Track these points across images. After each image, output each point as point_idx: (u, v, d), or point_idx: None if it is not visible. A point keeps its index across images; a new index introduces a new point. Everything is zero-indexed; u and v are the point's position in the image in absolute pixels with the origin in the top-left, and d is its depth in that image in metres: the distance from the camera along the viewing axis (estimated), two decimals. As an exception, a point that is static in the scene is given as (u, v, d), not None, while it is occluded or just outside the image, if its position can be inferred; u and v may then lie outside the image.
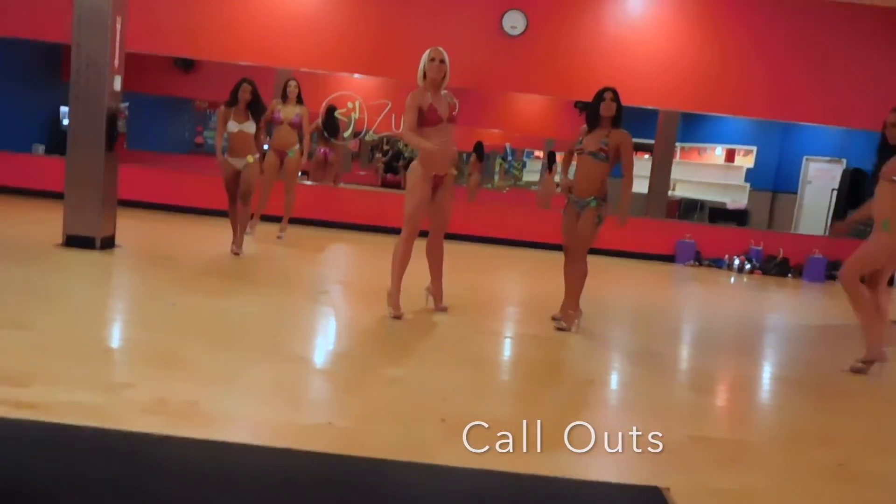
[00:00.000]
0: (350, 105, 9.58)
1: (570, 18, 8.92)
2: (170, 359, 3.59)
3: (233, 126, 6.47)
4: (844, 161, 11.89)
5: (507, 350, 4.72)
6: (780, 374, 4.74)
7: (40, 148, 11.11)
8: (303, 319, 4.80)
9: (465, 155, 12.98)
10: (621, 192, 5.02)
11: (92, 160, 6.07)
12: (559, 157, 6.93)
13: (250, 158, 6.52)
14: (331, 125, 9.56)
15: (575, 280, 5.07)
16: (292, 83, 7.89)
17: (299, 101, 7.93)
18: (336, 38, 8.83)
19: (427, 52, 4.87)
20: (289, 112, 7.86)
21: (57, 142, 11.29)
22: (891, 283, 7.12)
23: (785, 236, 10.32)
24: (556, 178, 13.29)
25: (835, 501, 2.83)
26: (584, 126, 5.09)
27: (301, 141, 7.96)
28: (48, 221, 6.68)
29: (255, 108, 6.57)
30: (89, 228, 6.10)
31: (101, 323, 4.30)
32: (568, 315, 5.10)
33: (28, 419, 2.67)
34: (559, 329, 5.08)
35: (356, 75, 9.72)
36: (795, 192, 12.98)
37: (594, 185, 4.97)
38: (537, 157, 15.60)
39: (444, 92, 4.94)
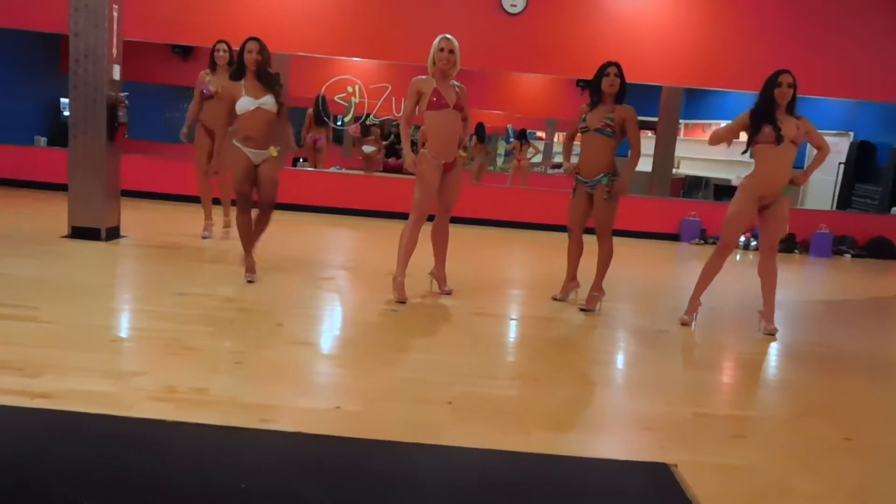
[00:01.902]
0: (350, 89, 9.58)
1: (570, -5, 8.88)
2: (178, 347, 3.64)
3: (247, 103, 4.93)
4: (851, 134, 11.84)
5: (512, 331, 4.77)
6: (786, 351, 4.77)
7: (42, 140, 11.15)
8: (307, 305, 4.84)
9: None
10: (628, 164, 5.02)
11: (94, 151, 6.11)
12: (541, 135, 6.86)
13: (273, 151, 5.02)
14: (325, 112, 9.58)
15: (600, 261, 5.13)
16: (221, 46, 6.49)
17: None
18: (334, 21, 8.83)
19: (437, 40, 4.81)
20: (219, 83, 6.36)
21: (58, 133, 11.33)
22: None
23: (791, 211, 10.26)
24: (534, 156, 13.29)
25: (841, 475, 2.87)
26: (585, 105, 5.09)
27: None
28: (53, 213, 6.74)
29: (267, 77, 5.02)
30: (94, 219, 6.16)
31: (109, 313, 4.35)
32: (592, 296, 5.16)
33: (41, 408, 2.73)
34: (581, 310, 5.12)
35: (355, 59, 9.69)
36: (801, 167, 12.95)
37: (603, 161, 4.97)
38: (540, 138, 15.55)
39: (454, 83, 4.92)
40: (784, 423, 3.46)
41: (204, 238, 6.77)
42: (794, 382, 4.19)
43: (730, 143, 4.91)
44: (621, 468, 2.76)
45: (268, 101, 4.95)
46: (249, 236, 5.19)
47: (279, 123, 5.11)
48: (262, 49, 4.94)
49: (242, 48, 4.94)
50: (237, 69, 5.01)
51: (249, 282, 5.14)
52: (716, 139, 4.89)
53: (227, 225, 6.98)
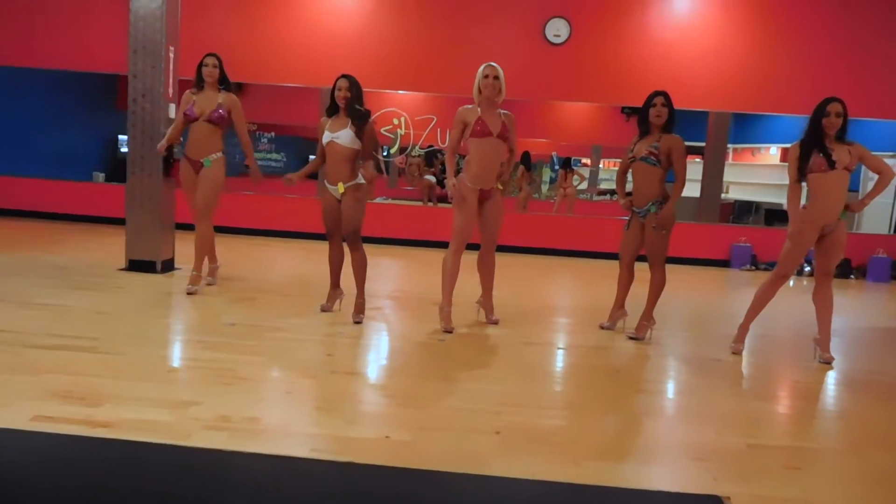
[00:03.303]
0: (396, 121, 9.76)
1: (613, 24, 8.94)
2: (231, 376, 3.73)
3: (325, 136, 4.97)
4: (905, 156, 11.55)
5: (559, 361, 4.75)
6: (843, 379, 4.66)
7: (100, 176, 11.56)
8: (356, 335, 4.91)
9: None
10: (672, 194, 5.00)
11: (150, 186, 6.33)
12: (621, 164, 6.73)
13: (340, 187, 4.95)
14: None
15: (651, 289, 5.11)
16: (210, 60, 5.64)
17: (223, 85, 5.72)
18: (379, 54, 9.02)
19: (481, 67, 4.90)
20: (206, 103, 5.63)
21: (116, 169, 11.75)
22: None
23: (846, 236, 10.07)
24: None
25: (902, 509, 2.80)
26: (637, 136, 5.11)
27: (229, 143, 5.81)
28: (111, 246, 6.98)
29: (354, 113, 4.91)
30: (150, 252, 6.37)
31: (165, 343, 4.48)
32: (642, 324, 5.15)
33: (102, 437, 2.83)
34: (630, 338, 5.11)
35: (401, 91, 9.87)
36: (857, 190, 12.68)
37: (651, 190, 4.99)
38: (585, 165, 15.53)
39: (501, 111, 4.98)
40: (842, 454, 3.38)
41: (189, 294, 5.65)
42: (853, 412, 4.08)
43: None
44: (672, 500, 2.73)
45: (342, 136, 4.90)
46: (333, 268, 5.33)
47: (364, 160, 5.01)
48: (352, 86, 4.88)
49: (334, 86, 4.91)
50: (329, 106, 5.00)
51: (324, 311, 5.33)
52: (793, 196, 4.72)
53: (210, 273, 6.09)
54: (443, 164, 13.55)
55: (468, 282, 5.29)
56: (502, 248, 5.37)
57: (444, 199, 12.48)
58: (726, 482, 2.85)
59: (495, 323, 5.29)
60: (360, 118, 4.90)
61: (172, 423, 3.04)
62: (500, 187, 5.13)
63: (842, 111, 4.54)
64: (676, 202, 4.94)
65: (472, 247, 5.16)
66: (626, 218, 5.25)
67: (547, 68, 8.96)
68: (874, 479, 3.06)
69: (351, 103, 4.89)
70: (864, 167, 4.78)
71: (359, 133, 4.90)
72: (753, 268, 9.29)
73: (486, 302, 5.36)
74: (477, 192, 4.99)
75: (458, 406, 3.58)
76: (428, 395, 3.73)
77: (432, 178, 13.28)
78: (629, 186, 5.22)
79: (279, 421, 3.21)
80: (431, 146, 12.05)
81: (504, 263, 5.35)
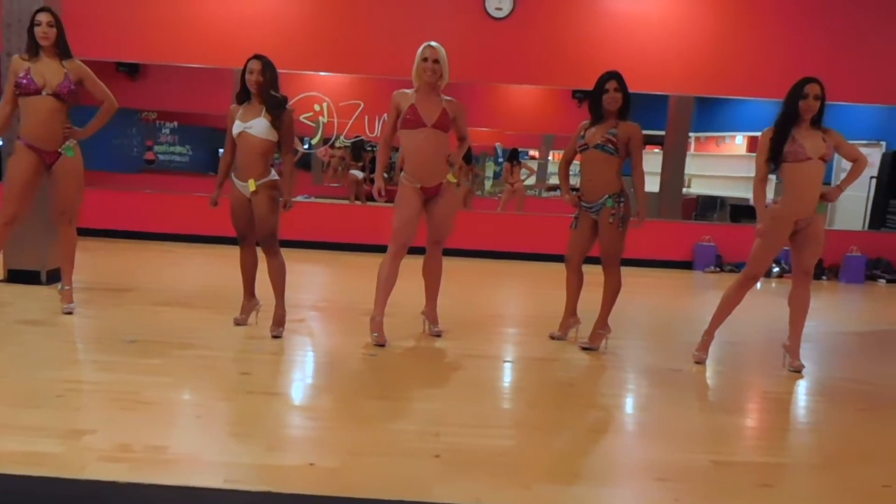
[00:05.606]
0: (317, 108, 9.70)
1: (562, -5, 9.02)
2: (131, 400, 3.68)
3: (235, 127, 4.90)
4: (884, 144, 12.02)
5: (507, 375, 4.83)
6: (816, 389, 4.85)
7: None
8: (276, 351, 4.89)
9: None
10: (634, 189, 5.11)
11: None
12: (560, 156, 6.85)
13: (252, 184, 4.88)
14: None
15: (606, 294, 5.19)
16: (43, 17, 5.00)
17: (62, 51, 5.13)
18: (297, 30, 8.88)
19: (420, 49, 4.89)
20: (48, 72, 5.04)
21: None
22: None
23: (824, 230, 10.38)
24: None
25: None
26: (585, 122, 5.20)
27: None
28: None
29: (269, 100, 4.85)
30: (33, 261, 6.21)
31: (54, 364, 4.35)
32: (596, 333, 5.24)
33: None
34: (584, 349, 5.22)
35: (322, 73, 9.81)
36: (828, 183, 13.11)
37: (606, 181, 5.04)
38: (533, 157, 15.71)
39: (444, 97, 4.99)
40: (815, 469, 3.53)
41: (68, 314, 5.39)
42: (826, 424, 4.25)
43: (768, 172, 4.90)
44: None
45: (256, 126, 4.84)
46: (246, 275, 5.32)
47: (283, 155, 5.04)
48: (266, 68, 4.80)
49: (244, 68, 4.82)
50: (240, 92, 4.92)
51: (238, 324, 5.32)
52: (760, 189, 4.90)
53: (66, 298, 5.47)
54: (373, 157, 13.60)
55: (414, 289, 5.32)
56: (447, 252, 5.40)
57: (373, 197, 12.48)
58: (690, 503, 2.95)
59: (438, 335, 5.34)
60: (276, 106, 4.84)
61: (63, 455, 2.99)
62: (454, 180, 5.16)
63: (820, 93, 4.64)
64: (644, 200, 5.08)
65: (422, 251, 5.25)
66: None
67: (488, 46, 8.96)
68: (851, 496, 3.20)
69: (265, 88, 4.83)
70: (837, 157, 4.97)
71: (276, 123, 4.85)
72: (718, 269, 9.54)
73: (429, 312, 5.40)
74: (419, 192, 5.02)
75: (392, 428, 3.61)
76: (358, 417, 3.75)
77: (359, 174, 13.28)
78: (575, 180, 5.31)
79: (188, 449, 3.19)
80: (359, 136, 12.03)
81: (445, 267, 5.39)
